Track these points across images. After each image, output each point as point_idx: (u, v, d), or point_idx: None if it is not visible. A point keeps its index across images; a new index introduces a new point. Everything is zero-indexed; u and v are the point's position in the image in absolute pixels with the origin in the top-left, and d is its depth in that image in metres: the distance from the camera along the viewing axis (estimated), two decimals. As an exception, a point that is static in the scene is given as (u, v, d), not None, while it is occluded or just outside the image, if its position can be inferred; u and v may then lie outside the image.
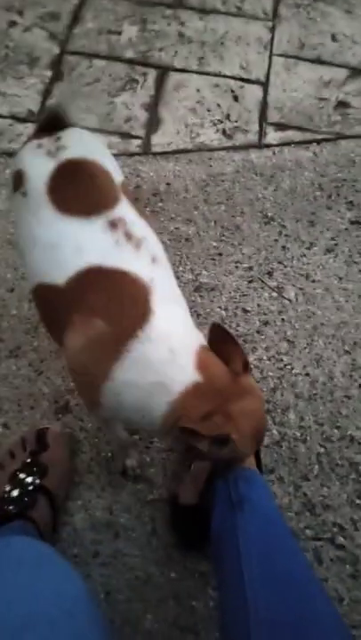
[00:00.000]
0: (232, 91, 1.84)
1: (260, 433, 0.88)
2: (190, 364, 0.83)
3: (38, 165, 0.95)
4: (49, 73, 1.84)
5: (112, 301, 0.84)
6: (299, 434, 1.22)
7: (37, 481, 1.03)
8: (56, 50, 1.90)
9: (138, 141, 1.71)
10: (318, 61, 1.94)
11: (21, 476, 1.04)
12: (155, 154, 1.69)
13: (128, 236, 0.89)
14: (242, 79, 1.87)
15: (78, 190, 0.92)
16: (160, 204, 1.58)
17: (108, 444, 1.18)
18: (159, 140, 1.72)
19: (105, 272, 0.86)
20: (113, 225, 0.89)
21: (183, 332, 0.88)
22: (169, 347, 0.83)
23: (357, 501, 1.15)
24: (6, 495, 1.01)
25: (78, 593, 0.66)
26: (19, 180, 0.97)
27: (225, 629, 0.78)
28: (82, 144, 1.01)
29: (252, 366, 1.10)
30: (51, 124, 1.03)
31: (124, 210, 0.93)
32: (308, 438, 1.22)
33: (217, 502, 0.94)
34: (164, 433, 0.86)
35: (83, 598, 0.66)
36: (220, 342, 0.87)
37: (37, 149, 0.98)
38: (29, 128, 1.72)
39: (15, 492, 1.01)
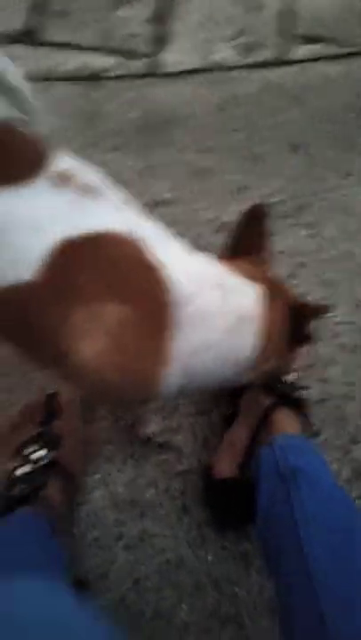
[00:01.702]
0: (246, 1, 1.60)
1: None
2: (241, 280, 0.73)
3: None
4: (37, -15, 1.60)
5: (111, 275, 0.65)
6: (345, 391, 1.07)
7: (49, 455, 0.88)
8: None
9: (143, 61, 1.49)
10: (346, -36, 1.69)
11: (30, 450, 0.89)
12: (163, 75, 1.47)
13: (85, 189, 0.68)
14: (259, -14, 1.62)
15: None
16: (171, 133, 1.38)
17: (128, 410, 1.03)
18: (168, 59, 1.50)
19: (82, 243, 0.64)
20: (62, 180, 0.68)
21: (204, 260, 0.74)
22: (214, 283, 0.70)
23: None
24: (13, 474, 0.86)
25: None
26: None
27: (288, 626, 0.64)
28: None
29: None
30: None
31: (63, 158, 0.72)
32: (357, 395, 1.06)
33: (262, 475, 0.79)
34: (255, 369, 0.76)
35: None
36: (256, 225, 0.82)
37: None
38: (21, 49, 1.50)
39: (23, 470, 0.86)
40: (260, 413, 0.90)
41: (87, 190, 0.69)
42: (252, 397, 0.93)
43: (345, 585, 0.61)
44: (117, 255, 0.66)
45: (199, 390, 0.95)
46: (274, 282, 0.78)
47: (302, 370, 1.06)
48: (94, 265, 0.64)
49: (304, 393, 1.01)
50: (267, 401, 0.91)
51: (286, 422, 0.89)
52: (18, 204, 0.65)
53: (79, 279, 0.64)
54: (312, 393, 1.06)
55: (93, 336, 0.63)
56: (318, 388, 1.07)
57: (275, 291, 0.76)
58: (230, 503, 0.90)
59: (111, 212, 0.69)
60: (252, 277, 0.74)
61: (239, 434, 0.91)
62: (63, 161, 0.71)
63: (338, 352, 1.10)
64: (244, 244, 0.81)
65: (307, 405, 0.96)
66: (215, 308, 0.69)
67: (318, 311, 0.78)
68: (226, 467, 0.90)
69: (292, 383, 0.96)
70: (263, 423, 0.89)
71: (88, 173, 0.72)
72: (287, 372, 0.96)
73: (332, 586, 0.61)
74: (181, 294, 0.66)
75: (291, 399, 0.93)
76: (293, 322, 0.76)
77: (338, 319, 1.14)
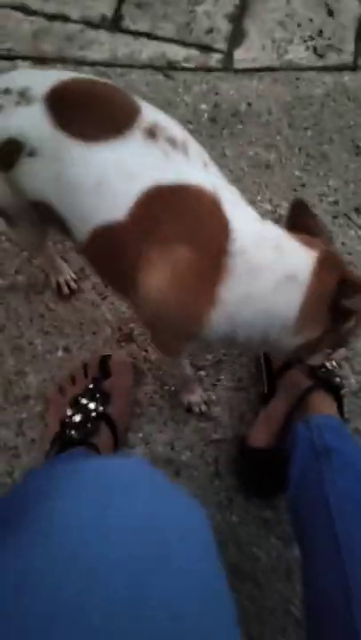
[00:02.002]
0: (326, 4, 1.64)
1: None
2: (298, 244, 0.76)
3: (25, 117, 0.77)
4: (125, -26, 1.68)
5: (188, 222, 0.74)
6: (380, 385, 1.12)
7: (100, 408, 0.97)
8: None
9: (219, 55, 1.55)
10: None
11: (84, 401, 0.98)
12: (237, 70, 1.53)
13: (172, 143, 0.76)
14: (339, -9, 1.66)
15: (91, 111, 0.76)
16: (239, 127, 1.44)
17: (174, 378, 1.10)
18: (242, 56, 1.55)
19: (167, 191, 0.74)
20: (152, 134, 0.75)
21: (270, 224, 0.79)
22: (271, 244, 0.75)
23: None
24: (68, 420, 0.96)
25: (201, 527, 0.55)
26: (13, 148, 0.78)
27: (315, 606, 0.70)
28: (35, 74, 0.87)
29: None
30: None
31: (151, 111, 0.79)
32: (392, 389, 1.11)
33: (297, 450, 0.85)
34: (297, 334, 0.77)
35: (205, 533, 0.55)
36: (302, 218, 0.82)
37: (6, 110, 0.79)
38: (102, 35, 1.58)
39: (78, 418, 0.96)
40: (299, 393, 0.96)
41: (175, 144, 0.77)
42: (293, 378, 0.99)
43: None
44: (197, 207, 0.74)
45: (242, 347, 1.00)
46: (331, 252, 0.79)
47: (341, 360, 1.12)
48: (176, 212, 0.73)
49: (341, 382, 1.07)
50: (306, 383, 0.97)
51: (323, 405, 0.95)
52: (116, 156, 0.74)
53: (161, 222, 0.73)
54: (348, 383, 1.12)
55: (160, 269, 0.73)
56: (354, 379, 1.13)
57: (329, 260, 0.76)
58: (262, 472, 0.97)
59: (197, 168, 0.77)
60: (310, 244, 0.76)
61: (276, 410, 0.98)
62: (152, 114, 0.79)
63: (377, 348, 1.15)
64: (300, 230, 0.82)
65: (343, 394, 1.01)
66: (267, 263, 0.74)
67: None
68: (261, 438, 0.97)
69: (331, 371, 1.02)
70: (301, 403, 0.95)
71: (171, 126, 0.80)
72: (330, 358, 1.00)
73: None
74: (240, 245, 0.72)
75: (330, 385, 0.99)
76: (341, 293, 0.76)
77: (380, 318, 1.19)
